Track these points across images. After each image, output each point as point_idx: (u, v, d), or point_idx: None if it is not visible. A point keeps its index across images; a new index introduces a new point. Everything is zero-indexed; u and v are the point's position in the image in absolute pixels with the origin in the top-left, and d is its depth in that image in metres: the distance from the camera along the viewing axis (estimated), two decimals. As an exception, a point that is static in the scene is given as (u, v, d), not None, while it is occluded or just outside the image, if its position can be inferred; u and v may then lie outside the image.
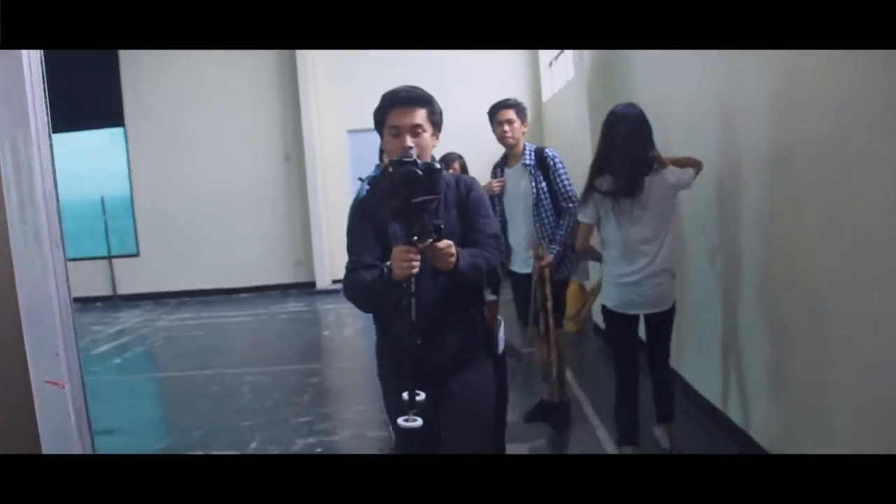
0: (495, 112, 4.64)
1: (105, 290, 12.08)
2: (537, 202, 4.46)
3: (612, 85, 6.41)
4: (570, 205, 4.40)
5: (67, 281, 1.86)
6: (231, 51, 11.53)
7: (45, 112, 1.80)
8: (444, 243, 2.24)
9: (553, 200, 4.47)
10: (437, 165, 2.26)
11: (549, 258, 4.38)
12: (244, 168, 11.79)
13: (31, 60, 1.72)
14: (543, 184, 4.46)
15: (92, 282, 12.01)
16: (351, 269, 2.51)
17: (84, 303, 11.84)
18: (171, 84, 11.72)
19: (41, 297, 1.78)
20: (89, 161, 12.41)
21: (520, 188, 4.53)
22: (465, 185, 2.60)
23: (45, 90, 1.80)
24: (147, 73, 11.71)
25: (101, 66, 11.72)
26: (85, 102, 11.98)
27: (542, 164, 4.51)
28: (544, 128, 11.51)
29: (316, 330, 8.61)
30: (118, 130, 12.15)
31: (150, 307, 11.41)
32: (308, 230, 11.61)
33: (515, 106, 4.62)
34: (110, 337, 9.00)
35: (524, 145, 4.60)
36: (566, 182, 4.49)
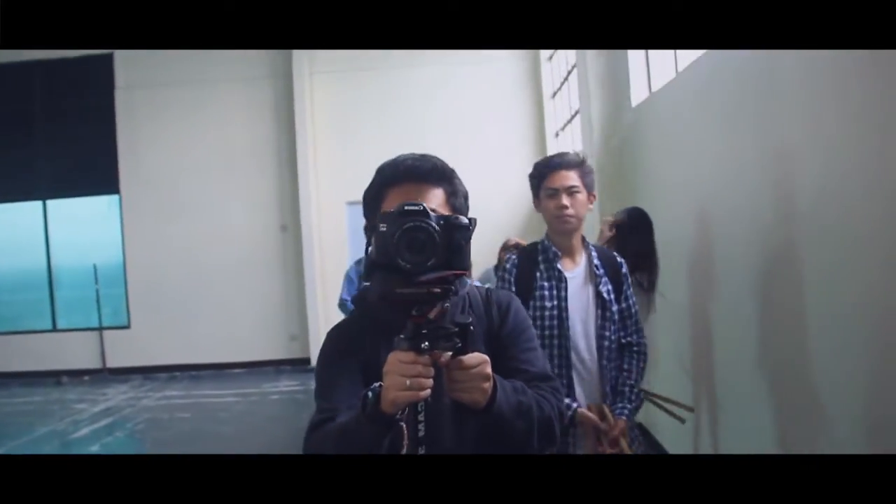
0: (549, 171, 2.84)
1: (95, 363, 11.69)
2: (602, 330, 2.86)
3: (621, 148, 6.21)
4: (641, 339, 3.02)
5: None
6: (229, 116, 11.39)
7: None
8: (476, 357, 1.44)
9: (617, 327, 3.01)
10: (464, 220, 1.44)
11: (621, 423, 2.85)
12: (239, 237, 11.51)
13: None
14: (614, 301, 2.90)
15: (82, 354, 11.67)
16: (317, 421, 1.62)
17: (73, 376, 11.49)
18: (167, 151, 11.53)
19: None
20: (84, 229, 12.20)
21: (577, 303, 2.86)
22: (498, 303, 1.76)
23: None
24: (144, 139, 11.56)
25: (98, 133, 11.60)
26: (81, 169, 11.85)
27: (613, 271, 2.93)
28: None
29: (308, 414, 8.15)
30: (114, 198, 11.91)
31: (138, 382, 11.01)
32: (304, 303, 11.25)
33: (580, 166, 2.85)
34: (92, 418, 8.58)
35: (583, 236, 2.98)
36: (634, 303, 3.02)
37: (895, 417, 2.39)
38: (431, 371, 1.37)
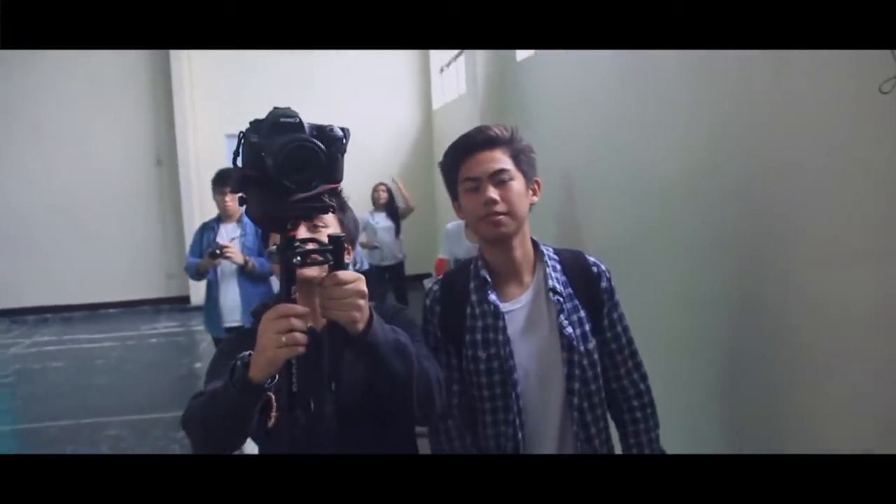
0: (464, 155, 1.91)
1: (-48, 306, 11.01)
2: (570, 382, 1.92)
3: (505, 100, 6.21)
4: (640, 380, 2.05)
5: None
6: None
7: None
8: (351, 273, 1.41)
9: (603, 370, 2.02)
10: (339, 132, 1.37)
11: None
12: (111, 171, 10.99)
13: None
14: (588, 335, 1.95)
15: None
16: (194, 396, 1.60)
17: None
18: (23, 70, 10.63)
19: None
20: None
21: (527, 347, 1.94)
22: (385, 309, 1.76)
23: None
24: (1, 62, 10.62)
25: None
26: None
27: (585, 287, 1.98)
28: (434, 138, 11.23)
29: (188, 360, 8.02)
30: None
31: (5, 326, 10.49)
32: (182, 240, 10.86)
33: (509, 143, 1.91)
34: (-45, 370, 8.15)
35: (533, 240, 2.03)
36: (625, 329, 2.05)
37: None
38: (304, 325, 1.34)
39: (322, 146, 1.31)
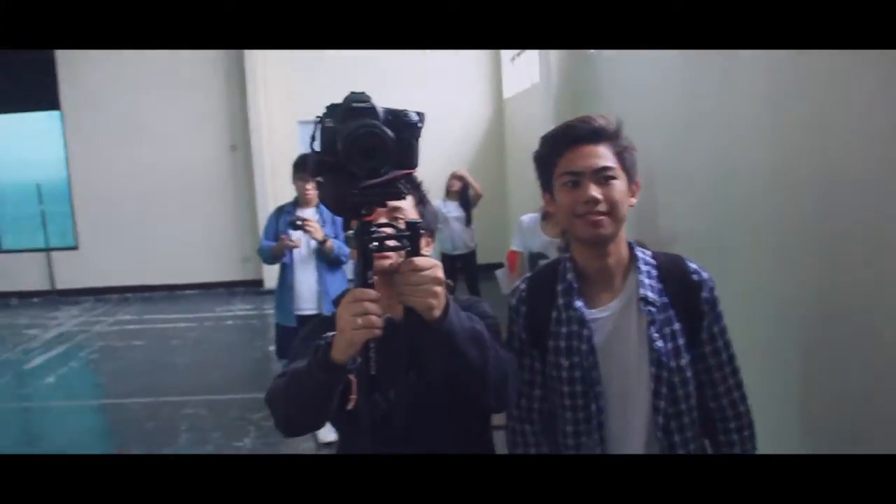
0: (565, 147, 1.79)
1: (43, 285, 11.57)
2: (657, 399, 1.79)
3: (580, 90, 6.17)
4: (740, 403, 1.88)
5: None
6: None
7: None
8: (428, 259, 1.42)
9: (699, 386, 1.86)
10: (413, 116, 1.38)
11: None
12: (189, 156, 11.32)
13: None
14: (683, 350, 1.79)
15: (30, 275, 11.53)
16: (278, 376, 1.68)
17: (22, 297, 11.40)
18: (109, 65, 11.07)
19: None
20: (24, 145, 11.86)
21: (613, 358, 1.82)
22: (461, 302, 1.72)
23: None
24: (85, 54, 11.07)
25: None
26: (19, 84, 11.40)
27: (683, 296, 1.82)
28: (505, 127, 11.23)
29: (262, 343, 8.26)
30: (54, 114, 11.53)
31: (90, 304, 10.98)
32: (255, 224, 11.16)
33: (614, 138, 1.79)
34: (45, 346, 8.57)
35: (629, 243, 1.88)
36: (726, 344, 1.87)
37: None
38: (378, 309, 1.36)
39: (390, 133, 1.31)
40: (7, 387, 7.21)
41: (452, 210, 7.73)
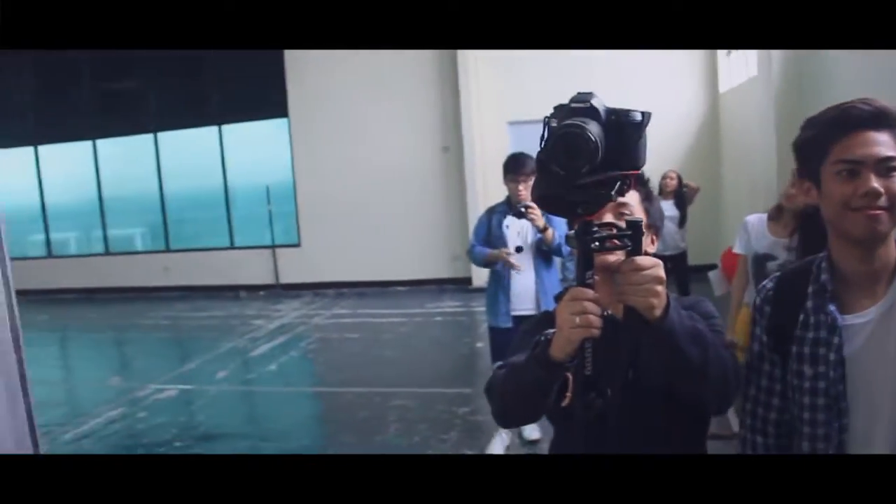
0: (841, 132, 1.53)
1: (269, 279, 12.40)
2: None
3: (801, 82, 5.71)
4: None
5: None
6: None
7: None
8: (649, 259, 1.38)
9: None
10: (637, 115, 1.34)
11: None
12: (403, 158, 11.68)
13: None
14: None
15: (257, 270, 12.41)
16: (498, 367, 1.70)
17: (250, 291, 12.27)
18: (332, 74, 11.73)
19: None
20: (256, 151, 12.77)
21: (868, 370, 1.56)
22: (683, 303, 1.66)
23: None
24: (311, 64, 11.78)
25: (267, 60, 11.92)
26: (252, 95, 12.32)
27: None
28: (721, 123, 10.66)
29: (470, 339, 8.31)
30: (282, 121, 12.32)
31: (309, 298, 11.59)
32: (466, 224, 11.30)
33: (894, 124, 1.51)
34: (269, 335, 9.12)
35: None
36: None
37: None
38: (597, 308, 1.34)
39: (595, 133, 1.26)
40: (236, 371, 7.70)
41: (667, 209, 7.37)
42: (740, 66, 9.21)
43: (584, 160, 1.26)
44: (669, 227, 7.33)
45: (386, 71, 11.51)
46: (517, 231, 4.71)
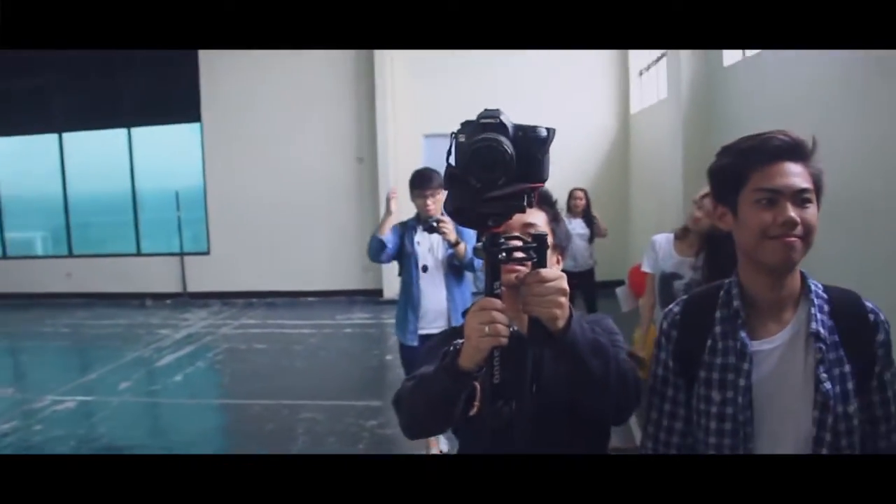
0: (760, 162, 1.59)
1: (176, 287, 12.14)
2: (818, 445, 1.58)
3: (710, 107, 5.99)
4: None
5: None
6: (308, 49, 11.35)
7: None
8: (554, 271, 1.44)
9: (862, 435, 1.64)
10: (542, 132, 1.40)
11: None
12: (317, 167, 11.67)
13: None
14: (851, 395, 1.59)
15: (164, 278, 12.13)
16: (407, 379, 1.72)
17: (156, 299, 11.98)
18: (247, 81, 11.64)
19: None
20: (166, 156, 12.52)
21: (775, 394, 1.62)
22: (587, 320, 1.69)
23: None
24: (224, 69, 11.66)
25: (181, 62, 11.72)
26: (164, 98, 12.07)
27: (856, 332, 1.63)
28: (631, 143, 11.02)
29: (379, 352, 8.35)
30: (195, 126, 12.12)
31: (217, 307, 11.41)
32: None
33: (810, 158, 1.61)
34: (175, 345, 8.95)
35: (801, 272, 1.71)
36: None
37: None
38: (505, 318, 1.39)
39: (510, 146, 1.33)
40: (139, 382, 7.53)
41: (577, 227, 7.59)
42: (651, 87, 9.55)
43: (500, 172, 1.33)
44: (579, 244, 7.52)
45: (302, 78, 11.48)
46: (428, 247, 4.65)
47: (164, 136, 12.49)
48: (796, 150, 1.58)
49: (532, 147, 1.37)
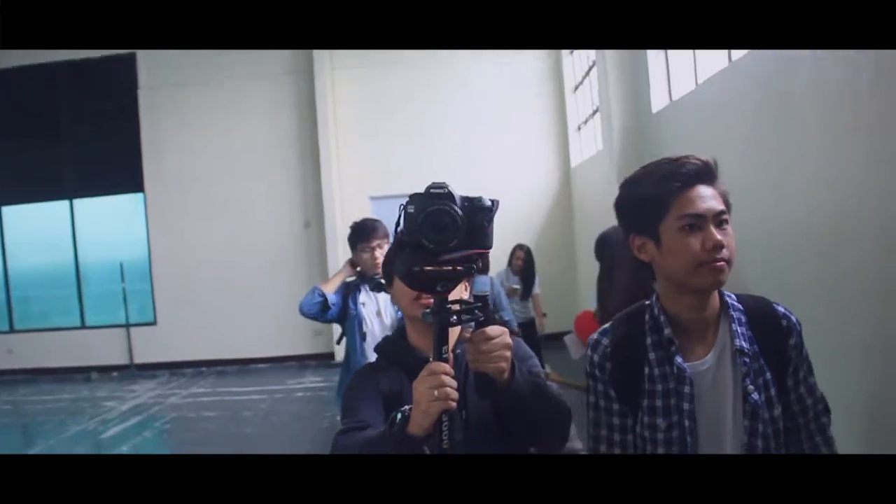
0: (680, 187, 1.63)
1: (123, 359, 11.89)
2: (752, 448, 1.65)
3: (640, 154, 6.19)
4: (825, 449, 1.75)
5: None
6: (251, 114, 11.45)
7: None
8: (497, 328, 1.51)
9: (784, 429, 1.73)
10: (487, 202, 1.49)
11: None
12: (263, 234, 11.63)
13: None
14: (774, 401, 1.68)
15: (110, 350, 11.88)
16: (345, 429, 1.71)
17: (102, 372, 11.72)
18: (190, 149, 11.64)
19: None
20: (109, 227, 12.39)
21: (709, 412, 1.69)
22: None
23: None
24: (167, 138, 11.68)
25: (122, 132, 11.74)
26: (105, 168, 12.02)
27: (772, 339, 1.71)
28: (573, 195, 11.26)
29: (332, 413, 8.26)
30: (138, 196, 12.05)
31: (165, 378, 11.20)
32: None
33: (717, 180, 1.68)
34: (121, 416, 8.75)
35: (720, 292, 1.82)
36: (812, 384, 1.75)
37: None
38: (454, 381, 1.46)
39: (460, 213, 1.44)
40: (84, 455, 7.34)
41: (515, 283, 7.69)
42: (589, 140, 9.81)
43: (451, 234, 1.43)
44: (514, 300, 7.55)
45: (245, 146, 11.54)
46: (375, 310, 4.15)
47: (107, 207, 12.38)
48: (708, 173, 1.63)
49: (478, 216, 1.47)
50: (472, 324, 1.52)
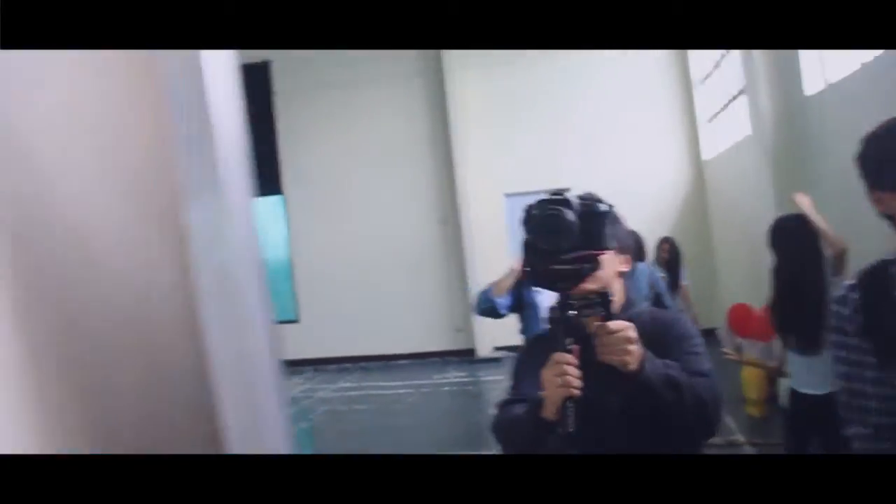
0: None
1: (267, 357, 12.19)
2: None
3: (795, 140, 5.86)
4: None
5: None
6: (384, 116, 11.57)
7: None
8: (619, 322, 1.58)
9: None
10: (601, 208, 1.65)
11: None
12: (400, 231, 11.73)
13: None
14: None
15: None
16: (506, 401, 1.86)
17: (248, 369, 12.04)
18: (325, 151, 11.88)
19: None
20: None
21: None
22: (660, 323, 1.83)
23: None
24: (303, 140, 11.92)
25: (260, 138, 12.04)
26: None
27: None
28: (707, 191, 10.85)
29: (482, 406, 8.21)
30: (277, 198, 12.37)
31: (310, 374, 11.41)
32: (466, 295, 11.27)
33: None
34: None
35: None
36: None
37: None
38: (577, 371, 1.56)
39: (573, 217, 1.59)
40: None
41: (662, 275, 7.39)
42: (723, 131, 9.43)
43: (564, 239, 1.58)
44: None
45: (379, 146, 11.67)
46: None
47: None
48: None
49: (593, 220, 1.63)
50: (602, 314, 1.60)
